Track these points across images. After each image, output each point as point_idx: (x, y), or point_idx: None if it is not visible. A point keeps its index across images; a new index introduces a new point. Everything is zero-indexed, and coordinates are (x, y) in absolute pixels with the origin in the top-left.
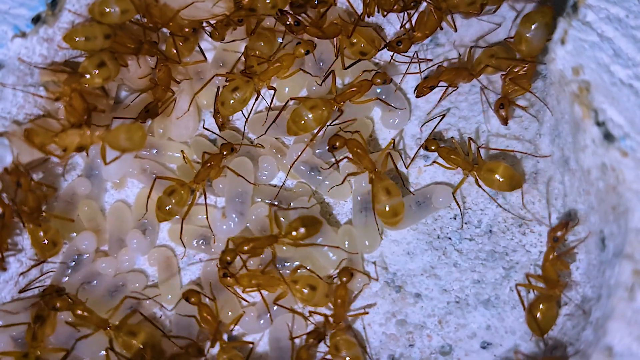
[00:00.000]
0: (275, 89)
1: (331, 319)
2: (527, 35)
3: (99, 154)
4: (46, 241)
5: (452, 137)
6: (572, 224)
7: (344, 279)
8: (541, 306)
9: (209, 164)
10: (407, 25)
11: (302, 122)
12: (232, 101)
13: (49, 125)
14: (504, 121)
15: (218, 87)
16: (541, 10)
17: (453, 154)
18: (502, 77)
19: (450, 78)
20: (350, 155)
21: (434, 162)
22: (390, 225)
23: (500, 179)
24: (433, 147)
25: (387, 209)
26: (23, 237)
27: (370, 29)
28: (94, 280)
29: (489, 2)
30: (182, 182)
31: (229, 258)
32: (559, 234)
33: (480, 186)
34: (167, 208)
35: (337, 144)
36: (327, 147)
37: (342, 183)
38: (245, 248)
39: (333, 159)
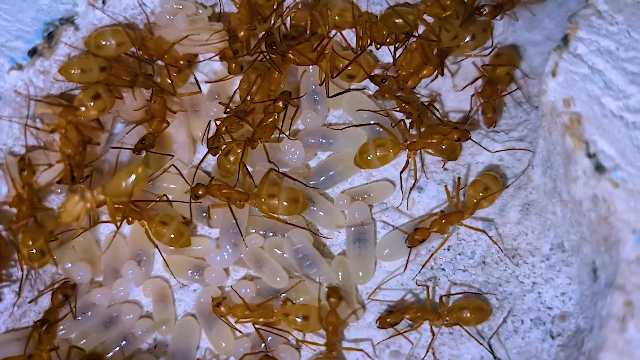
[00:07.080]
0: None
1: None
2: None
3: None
4: (34, 250)
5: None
6: None
7: (332, 300)
8: None
9: (264, 123)
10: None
11: (369, 157)
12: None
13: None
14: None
15: (209, 122)
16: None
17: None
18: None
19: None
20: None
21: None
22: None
23: None
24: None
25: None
26: (18, 268)
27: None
28: (88, 311)
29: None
30: (238, 142)
31: None
32: None
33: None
34: (228, 167)
35: (200, 192)
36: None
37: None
38: None
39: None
